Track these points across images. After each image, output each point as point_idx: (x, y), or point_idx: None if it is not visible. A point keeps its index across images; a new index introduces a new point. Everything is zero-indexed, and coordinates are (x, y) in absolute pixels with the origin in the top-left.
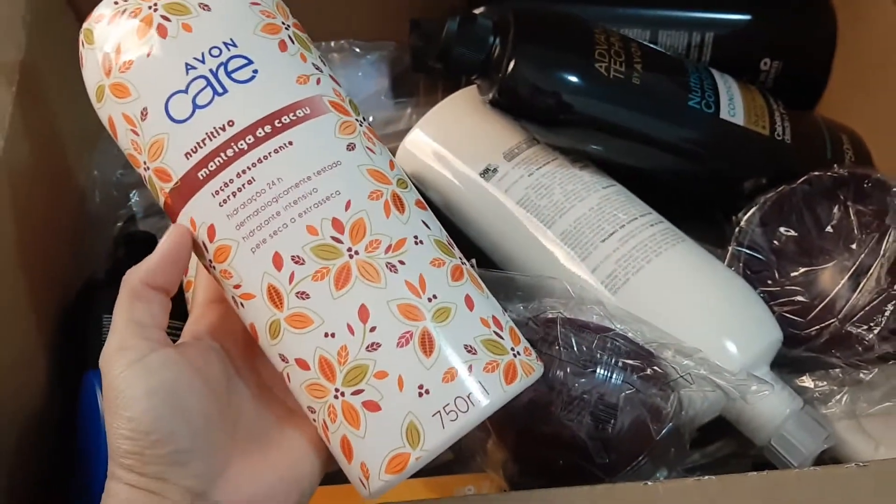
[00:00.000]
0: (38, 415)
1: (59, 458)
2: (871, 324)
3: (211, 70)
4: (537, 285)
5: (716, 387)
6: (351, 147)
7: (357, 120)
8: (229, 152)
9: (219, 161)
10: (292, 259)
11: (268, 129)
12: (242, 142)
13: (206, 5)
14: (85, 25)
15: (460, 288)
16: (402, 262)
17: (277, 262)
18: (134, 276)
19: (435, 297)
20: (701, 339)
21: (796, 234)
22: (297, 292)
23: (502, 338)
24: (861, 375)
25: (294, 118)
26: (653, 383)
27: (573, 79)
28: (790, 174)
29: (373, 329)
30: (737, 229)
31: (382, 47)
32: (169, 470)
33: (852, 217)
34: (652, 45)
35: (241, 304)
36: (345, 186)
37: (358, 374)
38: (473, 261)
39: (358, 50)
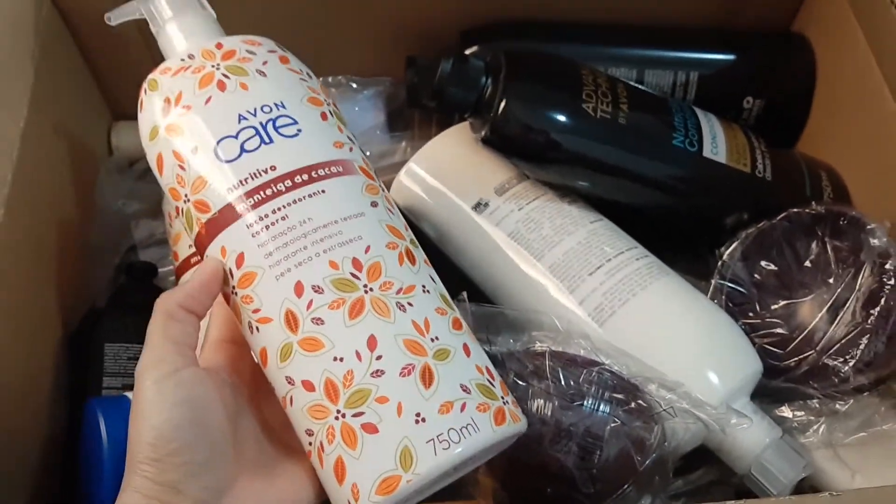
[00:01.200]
0: (41, 440)
1: (60, 484)
2: (847, 356)
3: (261, 123)
4: (526, 319)
5: (697, 419)
6: (374, 204)
7: (380, 186)
8: (268, 191)
9: (257, 198)
10: (312, 288)
11: (305, 177)
12: (281, 184)
13: (263, 72)
14: (151, 76)
15: (460, 336)
16: (410, 304)
17: (298, 289)
18: (171, 300)
19: (437, 338)
20: (684, 369)
21: (776, 269)
22: (313, 318)
23: (494, 386)
24: (837, 406)
25: (328, 172)
26: (637, 416)
27: (561, 118)
28: (771, 210)
29: (379, 357)
30: (719, 263)
31: (379, 83)
32: (184, 480)
33: (829, 252)
34: (638, 86)
35: (257, 329)
36: (366, 233)
37: (361, 397)
38: (464, 294)
39: (355, 85)
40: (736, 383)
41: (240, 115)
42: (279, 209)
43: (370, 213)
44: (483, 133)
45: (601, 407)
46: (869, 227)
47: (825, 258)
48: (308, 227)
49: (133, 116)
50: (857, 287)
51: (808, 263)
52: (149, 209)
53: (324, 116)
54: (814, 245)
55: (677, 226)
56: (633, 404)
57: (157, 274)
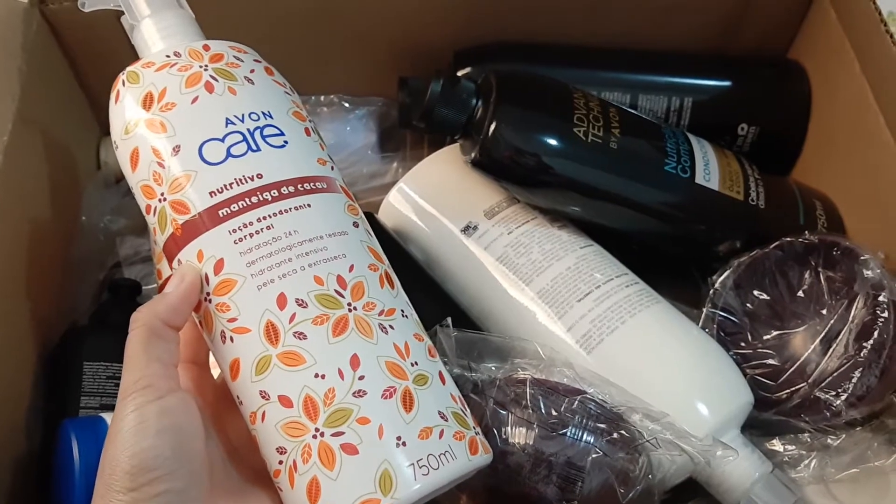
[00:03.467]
0: (15, 459)
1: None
2: (839, 390)
3: (248, 129)
4: (509, 346)
5: (682, 451)
6: (356, 224)
7: (359, 208)
8: (254, 199)
9: (242, 204)
10: (296, 301)
11: (291, 188)
12: (267, 193)
13: (251, 80)
14: (130, 68)
15: (435, 364)
16: (392, 327)
17: (281, 301)
18: (153, 314)
19: (416, 363)
20: (673, 400)
21: (769, 298)
22: (296, 332)
23: (466, 415)
24: (829, 441)
25: (314, 187)
26: (620, 447)
27: (552, 142)
28: (763, 238)
29: (361, 377)
30: (711, 291)
31: (371, 102)
32: None
33: (823, 283)
34: (630, 110)
35: (231, 339)
36: (350, 252)
37: (341, 416)
38: (448, 320)
39: (347, 105)
40: (726, 415)
41: (227, 119)
42: (265, 218)
43: (353, 233)
44: (472, 155)
45: (583, 437)
46: (863, 258)
47: (818, 288)
48: (294, 239)
49: None
50: (851, 319)
51: (800, 293)
52: (134, 226)
53: (307, 132)
54: (807, 275)
55: (668, 252)
56: (615, 434)
57: (141, 292)
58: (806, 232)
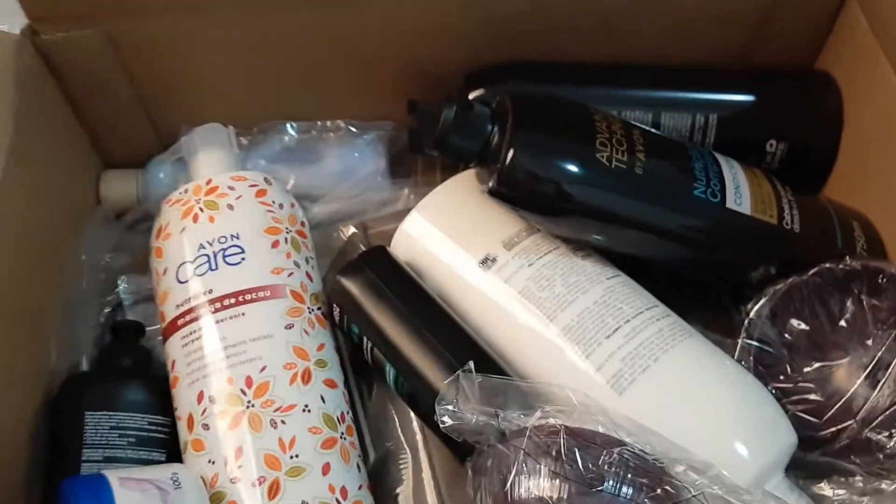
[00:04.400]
0: None
1: None
2: (893, 430)
3: (214, 252)
4: (538, 392)
5: None
6: (289, 327)
7: (309, 308)
8: (201, 311)
9: (190, 317)
10: (209, 398)
11: (232, 300)
12: (212, 306)
13: (232, 206)
14: (162, 202)
15: (324, 455)
16: (283, 422)
17: (199, 397)
18: None
19: (297, 456)
20: (712, 444)
21: (808, 328)
22: (203, 423)
23: None
24: (883, 485)
25: (254, 297)
26: (664, 503)
27: (574, 169)
28: (799, 263)
29: (239, 467)
30: (746, 321)
31: (379, 127)
32: None
33: (867, 312)
34: (654, 131)
35: (177, 422)
36: (267, 354)
37: (218, 498)
38: (471, 364)
39: (354, 130)
40: (770, 458)
41: (199, 244)
42: (203, 328)
43: (279, 335)
44: (490, 185)
45: (623, 492)
46: None
47: (862, 318)
48: (220, 345)
49: (123, 164)
50: None
51: (843, 323)
52: (137, 263)
53: (275, 244)
54: (849, 303)
55: (698, 280)
56: (658, 490)
57: (145, 333)
58: (847, 258)
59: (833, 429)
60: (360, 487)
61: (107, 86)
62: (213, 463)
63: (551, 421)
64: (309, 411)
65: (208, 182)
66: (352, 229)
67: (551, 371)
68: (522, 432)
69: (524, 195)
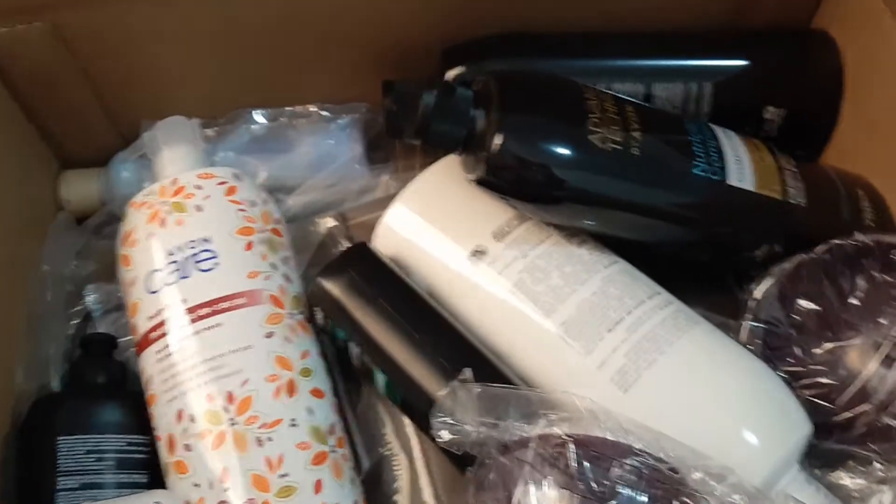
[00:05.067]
0: None
1: None
2: None
3: (184, 258)
4: (540, 398)
5: None
6: (269, 335)
7: (290, 313)
8: (175, 323)
9: (164, 329)
10: (189, 417)
11: (207, 310)
12: (186, 317)
13: (200, 207)
14: (127, 205)
15: (315, 472)
16: (269, 439)
17: (179, 416)
18: None
19: (286, 475)
20: (725, 439)
21: (818, 308)
22: (185, 444)
23: None
24: None
25: (231, 305)
26: None
27: (566, 154)
28: (806, 240)
29: (226, 490)
30: (752, 302)
31: (354, 109)
32: None
33: (879, 289)
34: (648, 106)
35: (157, 442)
36: (248, 366)
37: None
38: (467, 372)
39: (327, 114)
40: (785, 451)
41: (167, 252)
42: (177, 341)
43: (259, 345)
44: (477, 174)
45: None
46: None
47: (875, 295)
48: (197, 359)
49: (83, 165)
50: None
51: (853, 301)
52: (104, 270)
53: (249, 246)
54: (860, 280)
55: (700, 262)
56: (675, 502)
57: (117, 346)
58: (857, 233)
59: (848, 415)
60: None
61: (58, 82)
62: (199, 486)
63: (556, 430)
64: (296, 426)
65: (174, 182)
66: (331, 221)
67: (551, 369)
68: (526, 443)
69: (514, 183)
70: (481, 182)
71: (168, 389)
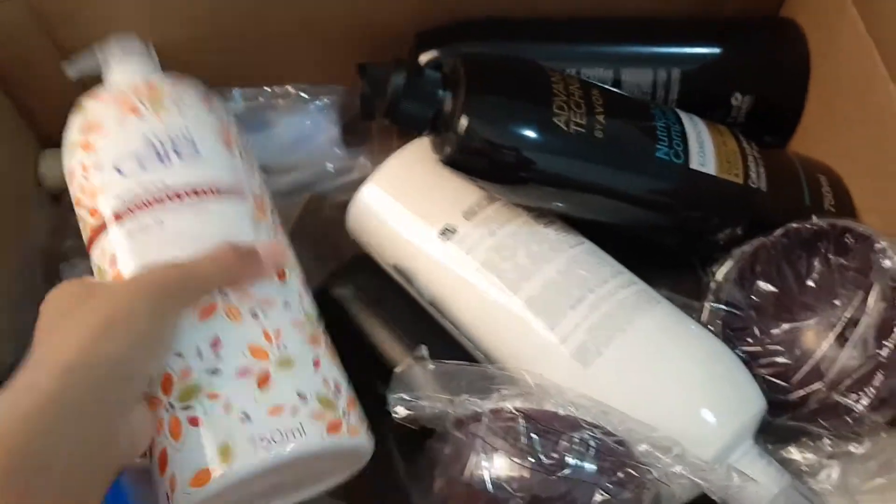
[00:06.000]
0: None
1: None
2: (861, 393)
3: (163, 144)
4: (493, 375)
5: (695, 484)
6: (257, 227)
7: (270, 212)
8: (157, 202)
9: (143, 207)
10: None
11: (193, 195)
12: (166, 196)
13: (178, 105)
14: (80, 100)
15: (312, 350)
16: (264, 313)
17: None
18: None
19: (285, 347)
20: (681, 414)
21: (776, 290)
22: None
23: (338, 399)
24: (852, 448)
25: (217, 192)
26: (626, 486)
27: (530, 136)
28: (766, 223)
29: (219, 357)
30: (713, 284)
31: (331, 91)
32: None
33: (834, 272)
34: (615, 90)
35: None
36: None
37: (192, 391)
38: (423, 349)
39: (305, 95)
40: (738, 426)
41: (146, 138)
42: (163, 218)
43: (248, 236)
44: (444, 154)
45: (585, 477)
46: (878, 245)
47: (829, 278)
48: (181, 236)
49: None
50: (867, 311)
51: (810, 283)
52: (81, 246)
53: (229, 146)
54: (816, 263)
55: (663, 244)
56: (621, 473)
57: None
58: (814, 216)
59: (802, 392)
60: (349, 383)
61: (35, 60)
62: (181, 356)
63: (508, 405)
64: (289, 306)
65: (147, 82)
66: (307, 201)
67: (515, 344)
68: (479, 418)
69: (480, 164)
70: (448, 162)
71: (148, 263)
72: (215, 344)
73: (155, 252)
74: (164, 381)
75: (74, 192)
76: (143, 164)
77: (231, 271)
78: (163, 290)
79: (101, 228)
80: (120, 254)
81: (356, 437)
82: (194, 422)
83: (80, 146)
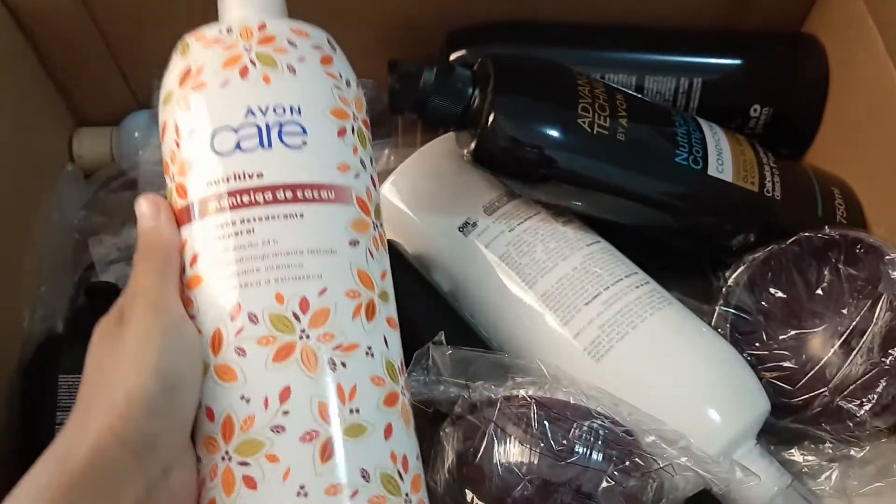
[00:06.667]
0: None
1: None
2: (864, 399)
3: (267, 124)
4: (509, 363)
5: (699, 477)
6: (354, 243)
7: (375, 223)
8: (245, 198)
9: (232, 202)
10: (249, 315)
11: (289, 194)
12: (261, 195)
13: (293, 69)
14: (185, 37)
15: (387, 414)
16: (343, 364)
17: (235, 312)
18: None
19: (357, 411)
20: (687, 411)
21: (785, 296)
22: (237, 347)
23: (402, 480)
24: (852, 452)
25: (315, 196)
26: (632, 475)
27: (555, 135)
28: (779, 231)
29: (286, 412)
30: (724, 288)
31: (360, 85)
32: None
33: (843, 281)
34: (638, 96)
35: None
36: (328, 274)
37: (252, 447)
38: (441, 335)
39: None
40: (742, 425)
41: (249, 109)
42: (249, 220)
43: (343, 252)
44: (469, 149)
45: (593, 464)
46: (888, 257)
47: (838, 287)
48: (269, 249)
49: (98, 123)
50: (875, 321)
51: (819, 291)
52: (110, 223)
53: (342, 132)
54: (826, 272)
55: (677, 247)
56: (628, 461)
57: (119, 294)
58: (826, 226)
59: (806, 396)
60: (417, 457)
61: (77, 42)
62: (248, 402)
63: (522, 392)
64: (372, 356)
65: (262, 28)
66: None
67: (530, 337)
68: (493, 404)
69: (504, 160)
70: (473, 157)
71: (227, 276)
72: (284, 395)
73: (236, 266)
74: (225, 424)
75: (165, 151)
76: (241, 144)
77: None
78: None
79: (187, 216)
80: (201, 258)
81: None
82: (250, 483)
83: (179, 101)
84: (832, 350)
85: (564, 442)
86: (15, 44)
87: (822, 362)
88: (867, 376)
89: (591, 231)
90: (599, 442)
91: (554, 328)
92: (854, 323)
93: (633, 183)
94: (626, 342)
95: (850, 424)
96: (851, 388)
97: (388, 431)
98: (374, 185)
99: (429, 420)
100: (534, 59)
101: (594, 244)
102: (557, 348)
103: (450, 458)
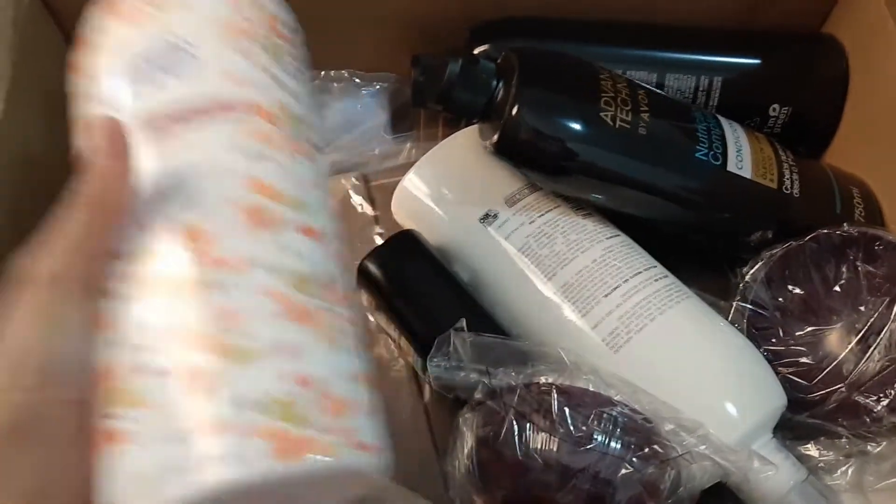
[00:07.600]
0: None
1: None
2: (881, 394)
3: (154, 59)
4: (529, 350)
5: (717, 465)
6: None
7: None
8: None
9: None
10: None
11: (168, 121)
12: (145, 131)
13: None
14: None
15: (290, 332)
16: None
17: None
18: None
19: (243, 332)
20: (703, 402)
21: (802, 293)
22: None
23: (316, 406)
24: (868, 447)
25: (205, 114)
26: (651, 462)
27: (577, 127)
28: (797, 229)
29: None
30: (741, 284)
31: (383, 79)
32: None
33: (861, 278)
34: (659, 92)
35: None
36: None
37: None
38: (462, 322)
39: (358, 81)
40: (758, 419)
41: (132, 53)
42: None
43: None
44: (492, 140)
45: (612, 451)
46: None
47: (856, 284)
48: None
49: None
50: (893, 317)
51: (837, 288)
52: None
53: (240, 49)
54: (844, 269)
55: (697, 241)
56: (646, 449)
57: None
58: (844, 224)
59: (822, 392)
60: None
61: None
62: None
63: (542, 379)
64: (269, 269)
65: None
66: (353, 180)
67: (549, 328)
68: (513, 390)
69: (526, 152)
70: (496, 148)
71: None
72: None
73: None
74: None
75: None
76: (127, 87)
77: None
78: None
79: None
80: None
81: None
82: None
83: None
84: (849, 346)
85: (584, 428)
86: (45, 30)
87: (840, 358)
88: (884, 372)
89: (610, 225)
90: (618, 429)
91: (573, 319)
92: (871, 320)
93: (653, 177)
94: (644, 334)
95: (867, 420)
96: (868, 383)
97: (289, 351)
98: (297, 98)
99: (449, 406)
100: (558, 54)
101: (614, 237)
102: (576, 339)
103: (469, 443)
